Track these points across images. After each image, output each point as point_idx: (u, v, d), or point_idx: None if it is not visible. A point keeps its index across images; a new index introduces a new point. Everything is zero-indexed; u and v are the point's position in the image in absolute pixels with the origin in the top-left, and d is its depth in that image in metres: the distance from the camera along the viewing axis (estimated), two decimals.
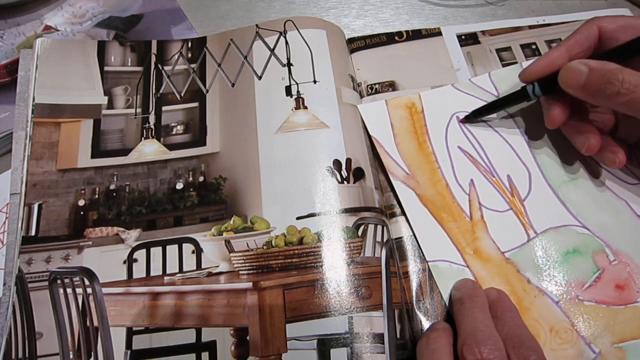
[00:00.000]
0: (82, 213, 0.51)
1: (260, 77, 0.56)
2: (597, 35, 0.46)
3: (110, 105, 0.56)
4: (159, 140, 0.55)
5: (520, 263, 0.46)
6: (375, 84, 0.59)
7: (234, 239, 0.49)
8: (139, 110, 0.56)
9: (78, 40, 0.62)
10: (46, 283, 0.47)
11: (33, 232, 0.49)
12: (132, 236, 0.50)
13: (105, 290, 0.47)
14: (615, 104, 0.41)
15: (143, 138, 0.55)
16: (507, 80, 0.55)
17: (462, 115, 0.53)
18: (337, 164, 0.50)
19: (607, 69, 0.40)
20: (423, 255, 0.47)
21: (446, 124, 0.53)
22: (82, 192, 0.52)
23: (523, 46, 0.62)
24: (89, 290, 0.47)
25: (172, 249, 0.50)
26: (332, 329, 0.42)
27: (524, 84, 0.49)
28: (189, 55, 0.59)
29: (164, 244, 0.50)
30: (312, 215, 0.48)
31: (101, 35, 0.63)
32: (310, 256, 0.46)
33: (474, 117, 0.52)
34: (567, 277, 0.45)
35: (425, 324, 0.44)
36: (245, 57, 0.58)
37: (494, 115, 0.53)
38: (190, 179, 0.53)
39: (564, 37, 0.61)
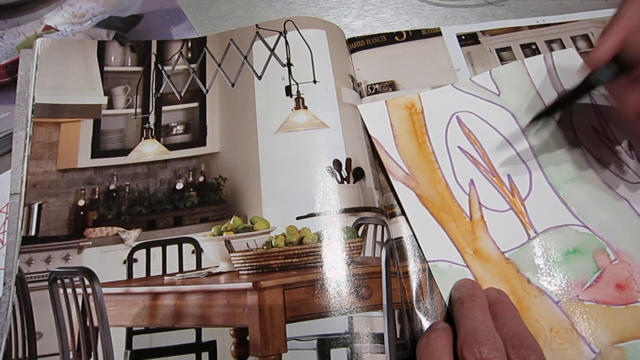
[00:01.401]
0: (82, 213, 0.51)
1: (260, 77, 0.56)
2: None
3: (110, 105, 0.56)
4: (159, 140, 0.55)
5: (520, 263, 0.46)
6: (375, 84, 0.59)
7: (234, 239, 0.49)
8: (139, 110, 0.56)
9: (78, 40, 0.62)
10: (46, 283, 0.47)
11: (33, 232, 0.49)
12: (132, 236, 0.50)
13: (105, 290, 0.47)
14: None
15: (143, 138, 0.55)
16: (509, 78, 0.55)
17: (462, 115, 0.53)
18: (337, 164, 0.50)
19: None
20: (423, 255, 0.47)
21: (446, 124, 0.53)
22: (82, 192, 0.52)
23: (523, 46, 0.62)
24: (89, 290, 0.47)
25: (172, 249, 0.50)
26: (332, 329, 0.42)
27: (583, 77, 0.45)
28: (189, 55, 0.59)
29: (164, 244, 0.50)
30: (312, 215, 0.48)
31: (101, 35, 0.63)
32: (310, 256, 0.46)
33: (538, 119, 0.49)
34: (568, 277, 0.45)
35: (425, 324, 0.44)
36: (245, 57, 0.58)
37: (494, 116, 0.53)
38: (190, 179, 0.53)
39: (564, 38, 0.62)
